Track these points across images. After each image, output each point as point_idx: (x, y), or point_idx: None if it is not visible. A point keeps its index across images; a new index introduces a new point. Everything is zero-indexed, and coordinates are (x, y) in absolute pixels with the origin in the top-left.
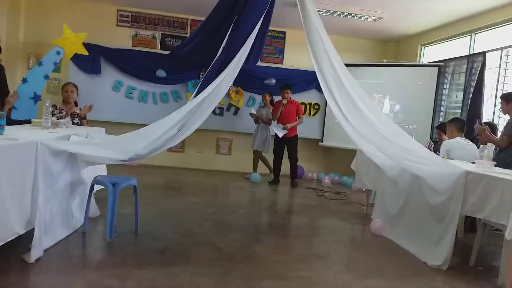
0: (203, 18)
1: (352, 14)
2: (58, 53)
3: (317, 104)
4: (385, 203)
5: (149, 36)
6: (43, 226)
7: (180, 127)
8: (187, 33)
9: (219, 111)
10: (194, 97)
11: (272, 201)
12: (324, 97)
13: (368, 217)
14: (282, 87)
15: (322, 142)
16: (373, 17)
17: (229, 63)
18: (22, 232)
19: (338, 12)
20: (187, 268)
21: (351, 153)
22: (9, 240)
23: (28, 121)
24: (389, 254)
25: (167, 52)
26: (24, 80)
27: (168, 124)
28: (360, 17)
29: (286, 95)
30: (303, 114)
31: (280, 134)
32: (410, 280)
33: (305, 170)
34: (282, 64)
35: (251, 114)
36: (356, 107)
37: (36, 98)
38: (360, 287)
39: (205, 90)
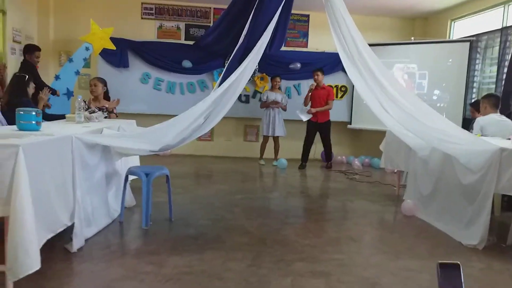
0: (225, 6)
1: None
2: (87, 49)
3: (344, 86)
4: (417, 183)
5: (174, 27)
6: (83, 217)
7: (206, 116)
8: (210, 22)
9: (245, 99)
10: (218, 86)
11: (301, 186)
12: (350, 79)
13: (400, 198)
14: (315, 70)
15: (350, 124)
16: None
17: (251, 49)
18: (69, 223)
19: None
20: (220, 253)
21: (381, 135)
22: (58, 231)
23: (62, 116)
24: (421, 235)
25: (191, 42)
26: (57, 77)
27: (195, 114)
28: None
29: (316, 77)
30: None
31: (304, 119)
32: (443, 259)
33: (334, 153)
34: (307, 47)
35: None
36: (383, 87)
37: (69, 94)
38: (393, 267)
39: (228, 78)
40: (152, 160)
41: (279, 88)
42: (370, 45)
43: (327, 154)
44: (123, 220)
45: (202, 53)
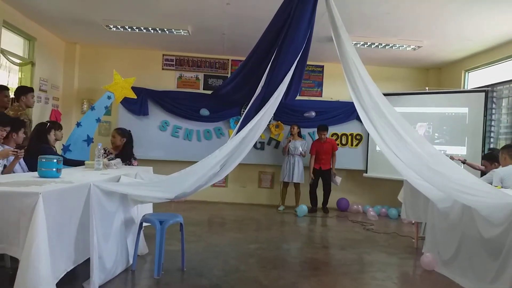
0: (243, 58)
1: (390, 45)
2: (109, 97)
3: (359, 134)
4: (437, 236)
5: (193, 78)
6: (98, 263)
7: (222, 164)
8: (228, 73)
9: (260, 145)
10: (236, 134)
11: (316, 236)
12: (365, 127)
13: (419, 251)
14: (319, 128)
15: (366, 173)
16: (412, 46)
17: (268, 100)
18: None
19: (376, 44)
20: None
21: (398, 184)
22: (68, 270)
23: (82, 162)
24: None
25: (209, 92)
26: (78, 124)
27: (211, 163)
28: (399, 47)
29: (323, 136)
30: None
31: (338, 183)
32: None
33: (350, 202)
34: (321, 96)
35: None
36: (398, 136)
37: (89, 140)
38: None
39: (245, 127)
40: (165, 207)
41: (299, 136)
42: (385, 94)
43: (326, 198)
44: (135, 269)
45: (220, 102)
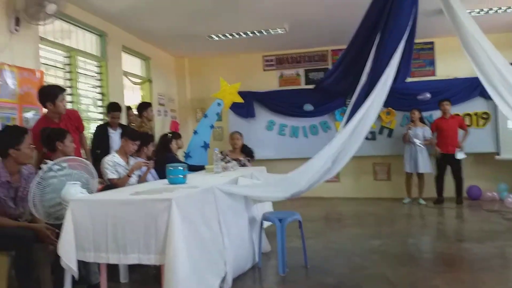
0: (343, 47)
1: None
2: (218, 104)
3: (486, 113)
4: None
5: (293, 74)
6: (231, 262)
7: (334, 159)
8: (328, 64)
9: (371, 136)
10: (344, 126)
11: (447, 228)
12: (493, 104)
13: None
14: (440, 100)
15: (499, 155)
16: None
17: (375, 85)
18: (225, 269)
19: (495, 9)
20: None
21: None
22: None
23: (201, 167)
24: None
25: (311, 86)
26: (195, 132)
27: (323, 158)
28: None
29: (446, 108)
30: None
31: (460, 157)
32: None
33: (482, 189)
34: (435, 75)
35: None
36: None
37: (206, 146)
38: None
39: (353, 118)
40: (282, 204)
41: (422, 121)
42: None
43: (458, 187)
44: (261, 266)
45: (323, 95)
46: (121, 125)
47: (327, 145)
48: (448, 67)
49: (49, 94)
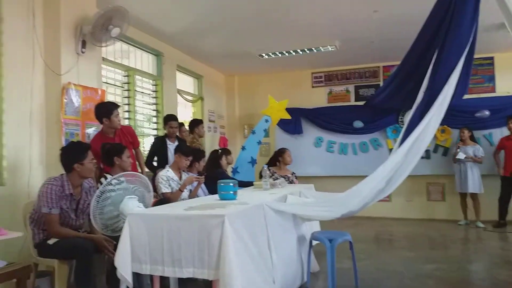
0: (395, 63)
1: None
2: (266, 121)
3: None
4: None
5: (343, 91)
6: (280, 280)
7: (388, 180)
8: (380, 81)
9: (425, 154)
10: (399, 145)
11: (508, 254)
12: None
13: None
14: (508, 117)
15: None
16: None
17: (433, 104)
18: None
19: None
20: None
21: None
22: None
23: (249, 183)
24: None
25: (361, 103)
26: (243, 148)
27: (376, 179)
28: None
29: (511, 126)
30: None
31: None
32: None
33: None
34: (495, 92)
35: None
36: None
37: (253, 162)
38: None
39: (409, 137)
40: (330, 224)
41: (472, 139)
42: None
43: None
44: (309, 286)
45: (374, 112)
46: (178, 138)
47: (381, 166)
48: (509, 83)
49: (105, 110)
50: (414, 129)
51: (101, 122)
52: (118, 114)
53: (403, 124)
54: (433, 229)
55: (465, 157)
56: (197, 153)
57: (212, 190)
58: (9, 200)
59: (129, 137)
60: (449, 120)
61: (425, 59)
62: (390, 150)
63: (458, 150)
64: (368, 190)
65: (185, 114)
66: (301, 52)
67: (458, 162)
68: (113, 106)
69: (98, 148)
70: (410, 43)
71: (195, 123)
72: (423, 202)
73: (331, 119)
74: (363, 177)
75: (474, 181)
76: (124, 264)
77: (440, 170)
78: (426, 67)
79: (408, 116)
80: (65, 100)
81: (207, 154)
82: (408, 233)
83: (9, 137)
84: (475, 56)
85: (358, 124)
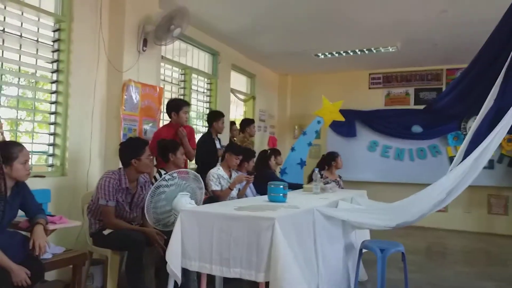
0: (461, 66)
1: None
2: (318, 122)
3: None
4: None
5: (402, 93)
6: (325, 285)
7: (449, 191)
8: (442, 84)
9: (488, 164)
10: (463, 155)
11: None
12: None
13: None
14: None
15: None
16: None
17: (504, 113)
18: None
19: None
20: None
21: None
22: None
23: (299, 186)
24: None
25: (421, 107)
26: (293, 149)
27: (438, 190)
28: None
29: None
30: None
31: None
32: None
33: None
34: None
35: None
36: None
37: (302, 163)
38: None
39: (476, 149)
40: (381, 233)
41: None
42: None
43: None
44: None
45: (434, 117)
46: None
47: (444, 176)
48: None
49: (175, 104)
50: (482, 141)
51: (170, 115)
52: (187, 112)
53: (465, 132)
54: (492, 244)
55: None
56: (248, 153)
57: (260, 190)
58: (69, 190)
59: (188, 135)
60: None
61: (496, 64)
62: (450, 157)
63: None
64: (428, 201)
65: (236, 113)
66: (359, 53)
67: None
68: (184, 103)
69: (164, 135)
70: (479, 46)
71: (247, 123)
72: (483, 214)
73: (387, 123)
74: (419, 184)
75: None
76: (175, 259)
77: (504, 181)
78: (497, 72)
79: (472, 124)
80: (125, 96)
81: (257, 154)
82: (464, 247)
83: (73, 130)
84: None
85: (416, 129)
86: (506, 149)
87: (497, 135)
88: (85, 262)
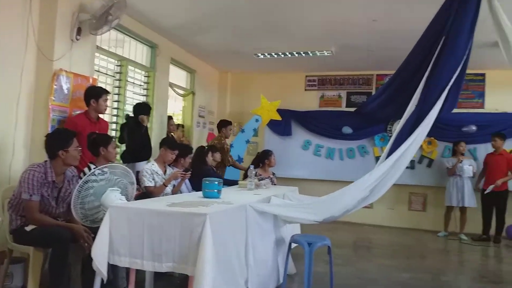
0: (389, 72)
1: None
2: (256, 120)
3: None
4: None
5: (335, 96)
6: (255, 282)
7: (372, 188)
8: (372, 89)
9: (410, 164)
10: (386, 155)
11: (483, 268)
12: None
13: None
14: (493, 134)
15: None
16: None
17: (424, 118)
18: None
19: None
20: None
21: None
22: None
23: (234, 182)
24: None
25: (352, 109)
26: (231, 146)
27: (361, 187)
28: None
29: (495, 144)
30: None
31: (488, 190)
32: None
33: None
34: (483, 108)
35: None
36: None
37: (239, 160)
38: None
39: (399, 149)
40: (311, 227)
41: (463, 154)
42: None
43: (499, 226)
44: None
45: (363, 119)
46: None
47: (367, 174)
48: (498, 100)
49: (95, 92)
50: (403, 143)
51: (88, 104)
52: (106, 100)
53: (391, 134)
54: (412, 238)
55: (468, 175)
56: (184, 149)
57: (196, 186)
58: None
59: (103, 131)
60: (436, 132)
61: (420, 72)
62: (377, 157)
63: (460, 164)
64: (351, 198)
65: (174, 107)
66: (296, 55)
67: (455, 175)
68: (104, 90)
69: (80, 123)
70: (406, 54)
71: (224, 124)
72: (405, 211)
73: (320, 123)
74: (348, 182)
75: (470, 196)
76: (101, 256)
77: (424, 181)
78: (419, 81)
79: (397, 127)
80: (55, 86)
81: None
82: (387, 241)
83: None
84: (468, 71)
85: (347, 130)
86: (426, 150)
87: (417, 137)
88: (4, 260)
